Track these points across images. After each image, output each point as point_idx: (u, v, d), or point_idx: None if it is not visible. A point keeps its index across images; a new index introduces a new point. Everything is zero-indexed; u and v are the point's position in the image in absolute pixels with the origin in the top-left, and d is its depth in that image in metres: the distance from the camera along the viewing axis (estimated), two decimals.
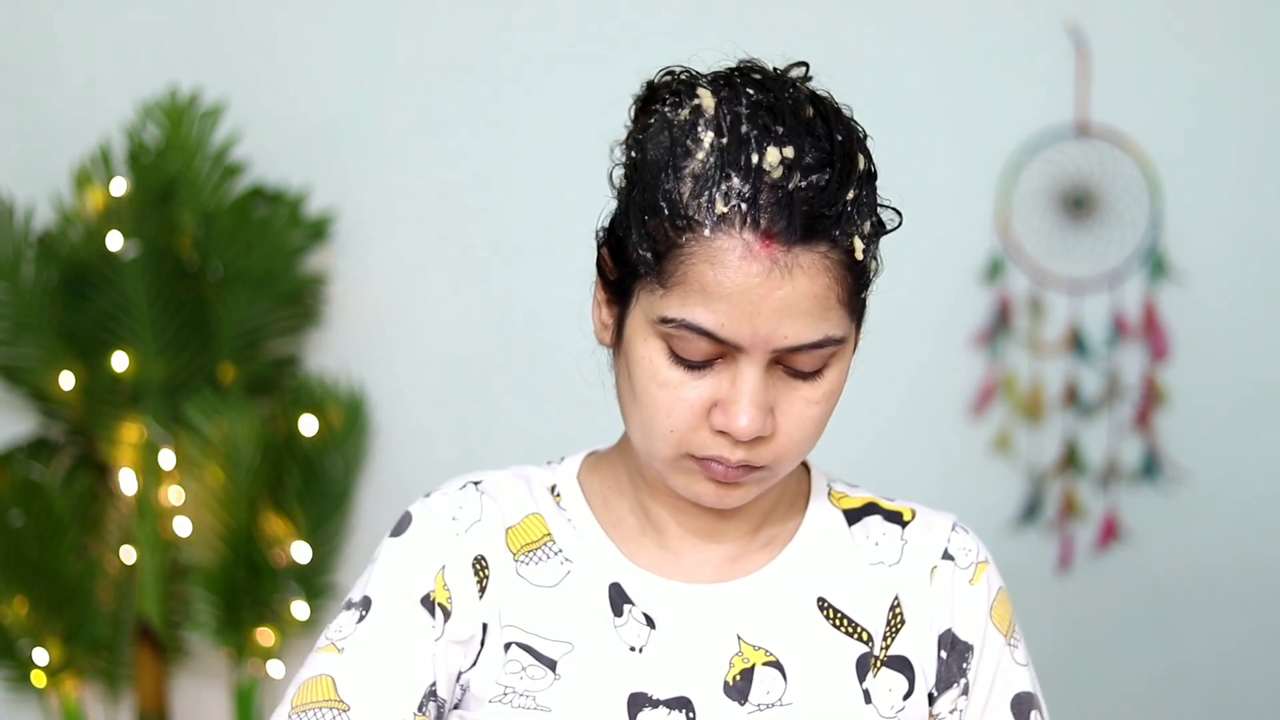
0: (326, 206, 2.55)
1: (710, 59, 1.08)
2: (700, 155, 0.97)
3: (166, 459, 2.41)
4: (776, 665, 1.07)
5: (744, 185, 0.95)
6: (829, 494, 1.16)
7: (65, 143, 2.49)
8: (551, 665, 1.06)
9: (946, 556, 1.14)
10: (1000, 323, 2.67)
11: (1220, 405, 2.71)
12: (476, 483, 1.14)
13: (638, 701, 1.05)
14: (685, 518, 1.11)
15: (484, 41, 2.63)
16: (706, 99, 0.98)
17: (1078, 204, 2.67)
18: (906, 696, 1.09)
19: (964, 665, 1.12)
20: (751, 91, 0.98)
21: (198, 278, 2.44)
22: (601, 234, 1.07)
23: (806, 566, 1.11)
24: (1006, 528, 2.70)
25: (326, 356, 2.62)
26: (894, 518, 1.16)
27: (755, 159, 0.95)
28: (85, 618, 2.45)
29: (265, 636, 2.48)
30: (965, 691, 1.12)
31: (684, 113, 0.99)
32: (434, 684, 1.06)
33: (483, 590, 1.09)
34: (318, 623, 2.53)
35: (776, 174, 0.95)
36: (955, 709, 1.12)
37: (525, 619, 1.07)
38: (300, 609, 2.49)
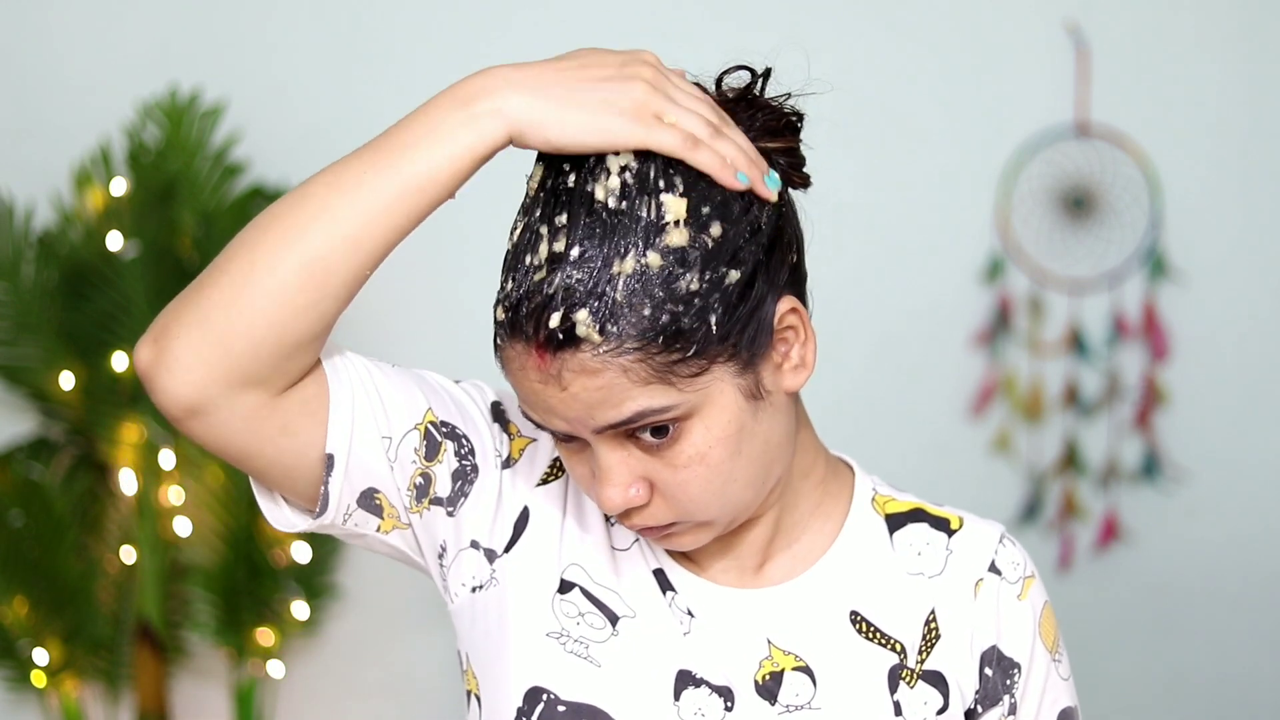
0: None
1: (712, 61, 1.08)
2: (508, 249, 0.97)
3: (166, 459, 2.41)
4: (806, 670, 1.06)
5: (515, 291, 0.93)
6: (873, 499, 1.12)
7: (65, 143, 2.49)
8: (614, 621, 1.05)
9: (993, 570, 1.11)
10: (1000, 323, 2.67)
11: (1220, 405, 2.71)
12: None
13: (684, 678, 1.04)
14: None
15: (484, 42, 2.63)
16: (533, 181, 0.98)
17: (1078, 204, 2.67)
18: (940, 712, 1.07)
19: (1010, 683, 1.10)
20: (566, 167, 0.94)
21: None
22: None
23: (841, 579, 1.08)
24: (1007, 528, 2.70)
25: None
26: (940, 525, 1.13)
27: (528, 259, 0.93)
28: (85, 618, 2.45)
29: (265, 636, 2.48)
30: (1012, 711, 1.10)
31: (530, 182, 0.99)
32: (466, 436, 1.05)
33: (545, 481, 1.08)
34: (318, 623, 2.53)
35: (539, 275, 0.92)
36: None
37: (596, 569, 1.06)
38: (300, 609, 2.49)
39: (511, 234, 0.97)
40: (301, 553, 2.48)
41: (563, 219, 0.92)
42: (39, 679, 2.43)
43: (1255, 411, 2.72)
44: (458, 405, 1.07)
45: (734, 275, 0.93)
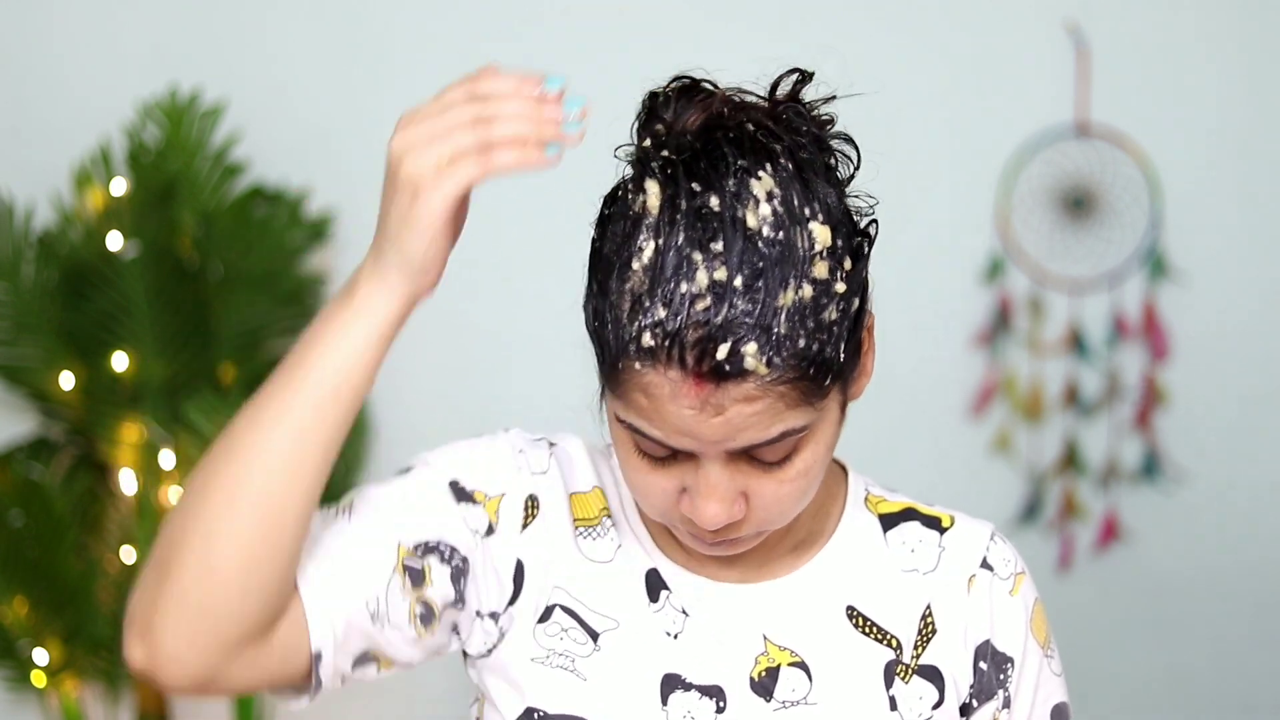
0: (326, 206, 2.55)
1: (712, 61, 1.08)
2: (638, 269, 0.94)
3: (166, 459, 2.41)
4: (802, 666, 1.07)
5: (670, 320, 0.92)
6: (866, 499, 1.15)
7: (65, 143, 2.49)
8: (594, 636, 1.06)
9: (985, 566, 1.12)
10: (1000, 323, 2.67)
11: (1220, 405, 2.71)
12: (552, 444, 1.14)
13: (671, 682, 1.05)
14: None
15: (484, 42, 2.62)
16: (652, 197, 0.94)
17: (1078, 204, 2.67)
18: (936, 706, 1.08)
19: (1004, 677, 1.11)
20: (697, 187, 0.93)
21: (198, 278, 2.44)
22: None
23: (837, 574, 1.10)
24: (1006, 528, 2.70)
25: None
26: (932, 523, 1.14)
27: (684, 287, 0.92)
28: (85, 618, 2.45)
29: None
30: (1007, 705, 1.11)
31: (634, 208, 0.95)
32: (441, 542, 1.05)
33: (525, 526, 1.08)
34: None
35: (702, 305, 0.91)
36: None
37: (575, 587, 1.07)
38: None
39: (636, 252, 0.93)
40: None
41: (718, 246, 0.91)
42: (39, 679, 2.43)
43: (1255, 411, 2.72)
44: (419, 517, 1.06)
45: (856, 303, 0.99)
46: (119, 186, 2.41)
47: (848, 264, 0.97)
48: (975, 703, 1.10)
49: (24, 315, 2.39)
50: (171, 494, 2.43)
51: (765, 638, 1.07)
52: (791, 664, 1.07)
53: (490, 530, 1.07)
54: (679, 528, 1.02)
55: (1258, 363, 2.70)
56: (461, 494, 1.08)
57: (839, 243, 0.97)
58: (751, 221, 0.93)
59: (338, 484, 2.76)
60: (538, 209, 2.62)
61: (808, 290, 0.94)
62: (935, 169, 2.66)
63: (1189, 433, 2.70)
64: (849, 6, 2.65)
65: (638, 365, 0.94)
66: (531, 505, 1.09)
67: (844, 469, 1.16)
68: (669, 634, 1.07)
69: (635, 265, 0.94)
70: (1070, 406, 2.69)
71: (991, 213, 2.67)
